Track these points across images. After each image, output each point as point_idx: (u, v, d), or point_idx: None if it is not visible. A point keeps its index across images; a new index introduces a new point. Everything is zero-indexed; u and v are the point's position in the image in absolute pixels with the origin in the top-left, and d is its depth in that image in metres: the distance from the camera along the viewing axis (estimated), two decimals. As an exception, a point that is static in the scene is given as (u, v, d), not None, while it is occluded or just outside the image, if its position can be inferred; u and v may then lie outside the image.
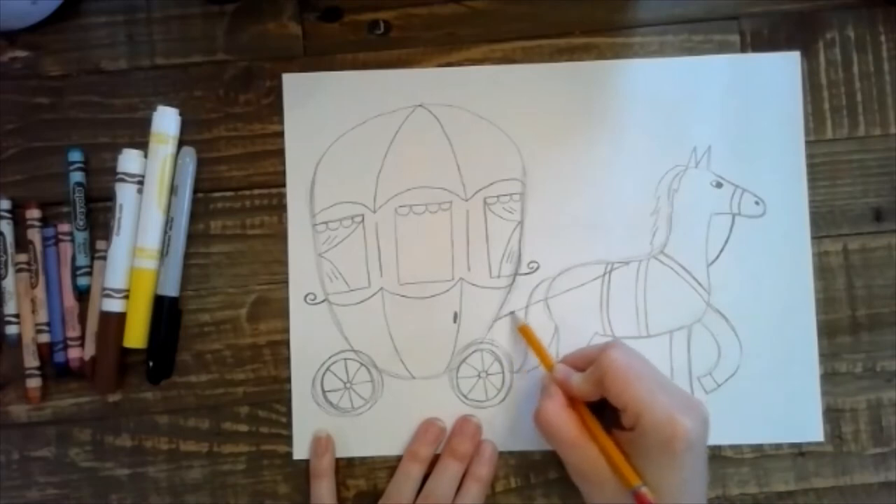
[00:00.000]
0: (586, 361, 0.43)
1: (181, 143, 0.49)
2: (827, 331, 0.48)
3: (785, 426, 0.47)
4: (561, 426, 0.42)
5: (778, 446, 0.48)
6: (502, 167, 0.49)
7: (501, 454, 0.48)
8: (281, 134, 0.49)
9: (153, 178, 0.47)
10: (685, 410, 0.40)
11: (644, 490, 0.39)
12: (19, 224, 0.48)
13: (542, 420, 0.43)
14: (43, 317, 0.48)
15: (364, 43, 0.50)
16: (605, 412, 0.42)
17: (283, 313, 0.48)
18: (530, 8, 0.49)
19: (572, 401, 0.43)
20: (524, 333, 0.47)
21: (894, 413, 0.48)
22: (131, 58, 0.50)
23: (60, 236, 0.48)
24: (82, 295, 0.48)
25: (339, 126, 0.49)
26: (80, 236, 0.48)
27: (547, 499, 0.48)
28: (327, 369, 0.48)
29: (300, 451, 0.48)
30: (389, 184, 0.49)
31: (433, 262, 0.48)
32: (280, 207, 0.49)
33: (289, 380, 0.48)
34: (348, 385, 0.48)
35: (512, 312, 0.48)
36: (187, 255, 0.48)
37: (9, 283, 0.48)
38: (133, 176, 0.47)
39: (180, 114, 0.48)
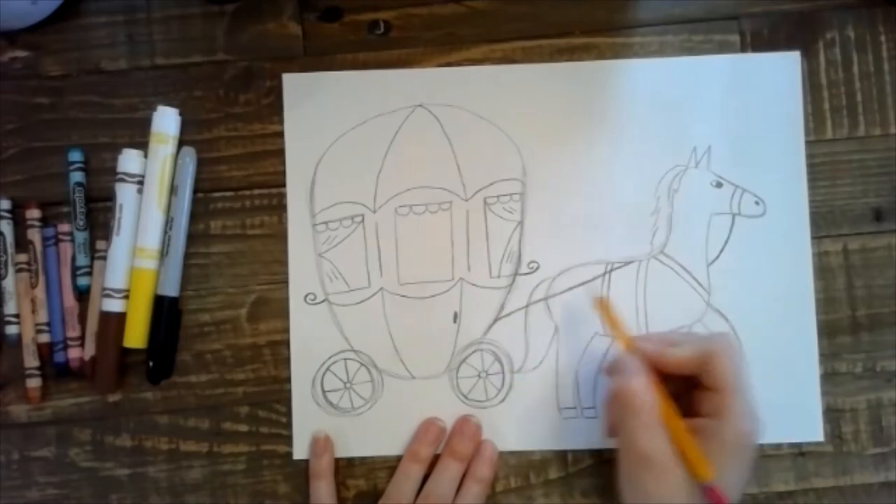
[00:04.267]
0: (668, 344, 0.42)
1: (181, 143, 0.49)
2: (827, 331, 0.48)
3: (785, 426, 0.47)
4: (647, 404, 0.40)
5: (778, 446, 0.48)
6: (502, 167, 0.49)
7: (501, 454, 0.48)
8: (281, 134, 0.49)
9: (153, 178, 0.47)
10: (758, 416, 0.41)
11: (718, 486, 0.38)
12: (19, 224, 0.48)
13: (630, 395, 0.41)
14: (43, 317, 0.48)
15: (364, 43, 0.50)
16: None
17: (283, 313, 0.48)
18: (530, 8, 0.49)
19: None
20: (601, 307, 0.45)
21: (894, 413, 0.48)
22: (131, 58, 0.50)
23: (60, 236, 0.48)
24: (82, 295, 0.48)
25: (339, 126, 0.49)
26: (80, 236, 0.48)
27: (547, 499, 0.48)
28: (327, 369, 0.48)
29: (300, 451, 0.48)
30: (389, 184, 0.49)
31: (433, 262, 0.48)
32: (280, 207, 0.49)
33: (289, 380, 0.48)
34: (348, 385, 0.48)
35: (588, 282, 0.47)
36: (187, 255, 0.48)
37: (9, 283, 0.48)
38: (133, 176, 0.47)
39: (180, 114, 0.48)
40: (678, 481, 0.39)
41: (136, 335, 0.47)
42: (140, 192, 0.48)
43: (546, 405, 0.48)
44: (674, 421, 0.40)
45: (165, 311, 0.47)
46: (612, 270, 0.48)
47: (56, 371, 0.48)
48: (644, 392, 0.41)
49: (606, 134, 0.49)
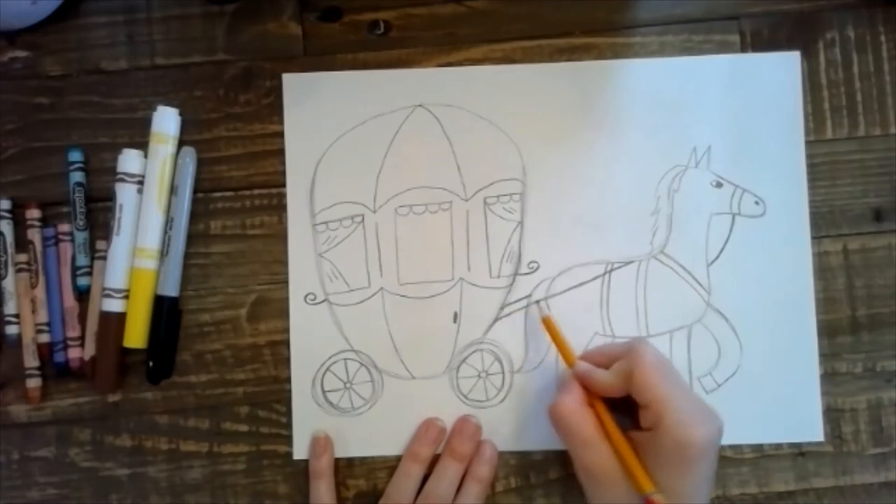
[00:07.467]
0: (609, 359, 0.43)
1: (181, 143, 0.49)
2: (827, 331, 0.48)
3: (785, 426, 0.47)
4: (578, 422, 0.42)
5: (778, 446, 0.48)
6: (502, 167, 0.49)
7: (501, 454, 0.48)
8: (281, 134, 0.49)
9: (153, 178, 0.47)
10: (704, 418, 0.40)
11: (657, 497, 0.39)
12: (19, 224, 0.48)
13: (558, 415, 0.42)
14: (43, 317, 0.48)
15: (364, 43, 0.50)
16: (617, 415, 0.42)
17: (283, 313, 0.48)
18: (530, 8, 0.49)
19: (590, 399, 0.43)
20: (547, 325, 0.46)
21: (894, 413, 0.48)
22: (131, 58, 0.50)
23: (60, 236, 0.48)
24: (82, 295, 0.48)
25: (339, 126, 0.49)
26: (80, 236, 0.48)
27: (547, 499, 0.48)
28: (327, 369, 0.48)
29: (300, 451, 0.48)
30: (389, 184, 0.49)
31: (433, 262, 0.48)
32: (280, 207, 0.49)
33: (289, 380, 0.48)
34: (348, 385, 0.48)
35: (537, 302, 0.48)
36: (187, 255, 0.48)
37: (9, 283, 0.48)
38: (133, 176, 0.47)
39: (180, 114, 0.48)
40: (622, 493, 0.40)
41: (136, 335, 0.47)
42: (140, 192, 0.48)
43: (546, 405, 0.47)
44: (615, 436, 0.41)
45: (165, 311, 0.47)
46: (612, 270, 0.48)
47: (56, 371, 0.48)
48: (574, 412, 0.42)
49: (606, 134, 0.49)
